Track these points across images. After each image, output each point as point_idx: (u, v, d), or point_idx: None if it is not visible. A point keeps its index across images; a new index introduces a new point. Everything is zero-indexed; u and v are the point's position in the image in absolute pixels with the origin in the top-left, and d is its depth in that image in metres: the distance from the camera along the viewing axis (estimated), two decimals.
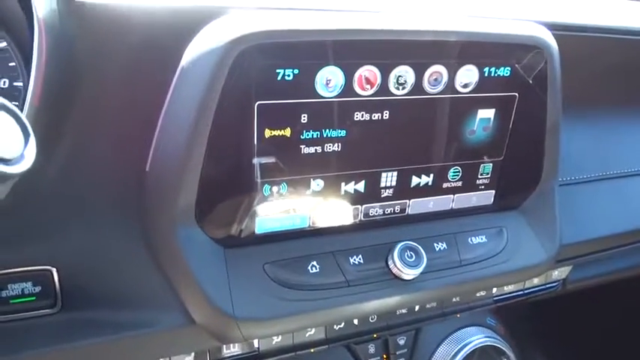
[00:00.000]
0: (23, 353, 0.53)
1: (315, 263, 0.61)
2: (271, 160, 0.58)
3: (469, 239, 0.69)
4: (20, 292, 0.55)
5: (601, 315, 1.27)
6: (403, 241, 0.64)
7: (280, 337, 0.67)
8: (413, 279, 0.63)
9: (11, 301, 0.55)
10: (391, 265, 0.63)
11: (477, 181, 0.72)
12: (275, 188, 0.60)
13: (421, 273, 0.64)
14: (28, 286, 0.56)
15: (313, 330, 0.69)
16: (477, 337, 0.78)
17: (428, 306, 0.75)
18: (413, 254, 0.63)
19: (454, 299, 0.76)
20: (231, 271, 0.58)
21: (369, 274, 0.62)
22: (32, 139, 0.40)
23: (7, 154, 0.37)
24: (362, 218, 0.66)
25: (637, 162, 0.90)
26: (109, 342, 0.55)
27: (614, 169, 0.87)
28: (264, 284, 0.58)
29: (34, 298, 0.56)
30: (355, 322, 0.72)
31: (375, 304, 0.62)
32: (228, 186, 0.58)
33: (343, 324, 0.71)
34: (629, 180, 0.88)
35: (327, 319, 0.61)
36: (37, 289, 0.56)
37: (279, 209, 0.61)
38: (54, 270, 0.55)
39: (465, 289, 0.68)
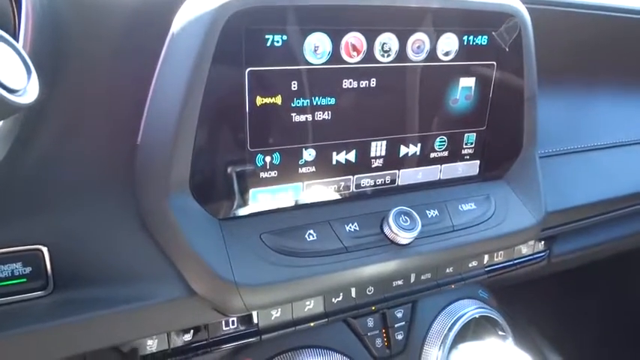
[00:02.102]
0: (15, 335, 0.49)
1: (311, 231, 0.59)
2: (263, 128, 0.57)
3: (459, 206, 0.69)
4: (10, 274, 0.51)
5: (587, 292, 1.29)
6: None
7: (279, 312, 0.65)
8: (408, 243, 0.62)
9: (0, 284, 0.51)
10: (387, 231, 0.62)
11: (462, 151, 0.72)
12: (268, 158, 0.59)
13: (416, 238, 0.63)
14: (18, 267, 0.52)
15: (312, 304, 0.67)
16: (471, 309, 0.77)
17: (423, 277, 0.74)
18: (407, 219, 0.62)
19: (447, 270, 0.76)
20: (228, 241, 0.56)
21: (365, 241, 0.61)
22: (34, 75, 0.38)
23: (12, 84, 0.35)
24: (354, 189, 0.65)
25: (607, 135, 0.92)
26: (105, 317, 0.51)
27: (587, 142, 0.89)
28: (263, 252, 0.56)
29: (24, 279, 0.52)
30: (353, 295, 0.70)
31: (372, 269, 0.61)
32: (222, 156, 0.56)
33: (341, 297, 0.69)
34: (601, 152, 0.89)
35: (327, 285, 0.59)
36: (28, 270, 0.52)
37: (272, 180, 0.59)
38: (44, 249, 0.51)
39: (459, 253, 0.67)
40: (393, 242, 0.62)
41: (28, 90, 0.35)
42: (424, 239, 0.64)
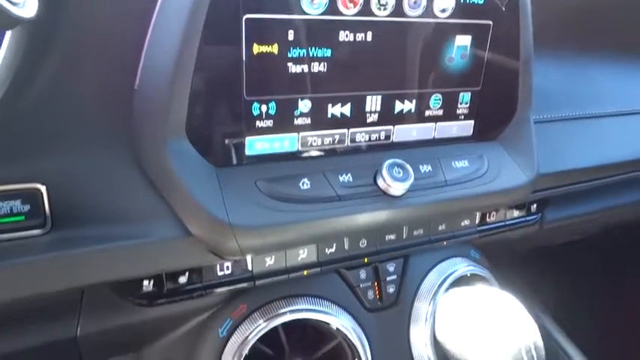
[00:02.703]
0: (14, 267, 0.50)
1: (306, 180, 0.60)
2: (259, 77, 0.57)
3: (452, 163, 0.69)
4: (9, 211, 0.52)
5: (580, 269, 1.30)
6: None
7: (273, 260, 0.66)
8: (401, 195, 0.63)
9: (0, 220, 0.53)
10: (380, 182, 0.62)
11: (457, 111, 0.72)
12: (264, 107, 0.59)
13: (408, 190, 0.64)
14: (16, 204, 0.52)
15: (305, 253, 0.68)
16: (462, 266, 0.77)
17: (415, 233, 0.75)
18: (401, 170, 0.63)
19: (440, 227, 0.76)
20: (224, 187, 0.56)
21: (358, 191, 0.62)
22: None
23: None
24: (349, 143, 0.65)
25: (604, 104, 0.93)
26: (102, 253, 0.52)
27: (584, 110, 0.89)
28: (258, 198, 0.57)
29: (22, 217, 0.52)
30: (346, 247, 0.71)
31: (365, 218, 0.61)
32: (218, 102, 0.56)
33: (334, 248, 0.70)
34: (597, 120, 0.90)
35: (320, 231, 0.60)
36: (26, 207, 0.53)
37: (268, 129, 0.60)
38: (43, 188, 0.52)
39: (451, 208, 0.68)
40: (385, 193, 0.63)
41: (27, 4, 0.36)
42: (417, 192, 0.64)
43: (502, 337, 0.51)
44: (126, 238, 0.54)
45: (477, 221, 0.81)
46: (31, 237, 0.52)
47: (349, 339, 0.69)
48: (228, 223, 0.54)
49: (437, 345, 0.74)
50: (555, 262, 1.13)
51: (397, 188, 0.62)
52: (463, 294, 0.56)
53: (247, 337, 0.65)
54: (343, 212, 0.61)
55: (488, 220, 0.81)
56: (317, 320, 0.67)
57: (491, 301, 0.53)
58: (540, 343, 0.52)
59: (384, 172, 0.62)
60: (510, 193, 0.72)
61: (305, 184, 0.60)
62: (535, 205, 0.86)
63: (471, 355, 0.52)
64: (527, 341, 0.51)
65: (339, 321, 0.68)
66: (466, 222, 0.79)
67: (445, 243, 0.77)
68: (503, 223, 0.83)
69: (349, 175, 0.63)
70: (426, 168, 0.67)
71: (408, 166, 0.63)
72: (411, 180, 0.63)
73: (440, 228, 0.76)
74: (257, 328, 0.65)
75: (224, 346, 0.66)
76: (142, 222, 0.55)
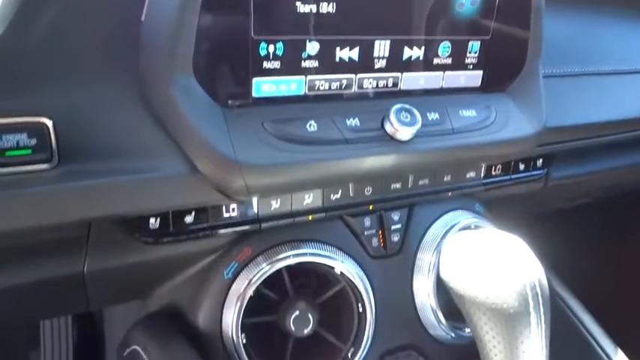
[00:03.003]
0: (20, 201, 0.50)
1: (312, 122, 0.59)
2: (267, 16, 0.56)
3: (460, 112, 0.68)
4: (15, 144, 0.52)
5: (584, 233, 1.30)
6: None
7: (279, 203, 0.66)
8: (408, 140, 0.63)
9: (7, 154, 0.52)
10: (387, 127, 0.62)
11: (466, 60, 0.71)
12: (271, 47, 0.58)
13: (416, 136, 0.63)
14: (23, 138, 0.52)
15: (311, 198, 0.68)
16: (466, 218, 0.77)
17: (420, 182, 0.74)
18: (408, 115, 0.62)
19: (445, 178, 0.76)
20: (231, 127, 0.56)
21: (365, 135, 0.61)
22: None
23: None
24: (356, 89, 0.64)
25: (614, 62, 0.91)
26: (109, 187, 0.52)
27: (594, 66, 0.88)
28: (265, 138, 0.56)
29: (29, 151, 0.52)
30: (351, 193, 0.70)
31: (371, 162, 0.61)
32: (225, 40, 0.55)
33: (340, 194, 0.69)
34: (607, 77, 0.88)
35: (326, 173, 0.60)
36: (33, 141, 0.52)
37: (275, 71, 0.59)
38: (49, 122, 0.51)
39: (457, 156, 0.67)
40: (392, 138, 0.62)
41: None
42: (423, 138, 0.64)
43: (507, 273, 0.51)
44: (133, 172, 0.53)
45: (483, 174, 0.80)
46: (37, 171, 0.52)
47: (353, 284, 0.69)
48: (236, 160, 0.54)
49: (439, 295, 0.76)
50: (559, 225, 1.13)
51: (404, 133, 0.62)
52: (469, 235, 0.57)
53: (252, 279, 0.65)
54: (350, 155, 0.60)
55: (493, 173, 0.81)
56: (321, 264, 0.68)
57: (496, 240, 0.54)
58: (545, 281, 0.52)
59: (392, 116, 0.61)
60: (517, 143, 0.71)
61: (312, 126, 0.60)
62: (541, 161, 0.85)
63: (475, 292, 0.52)
64: (531, 278, 0.51)
65: (344, 266, 0.69)
66: (471, 174, 0.79)
67: (450, 194, 0.77)
68: (508, 177, 0.82)
69: (356, 119, 0.62)
70: (433, 116, 0.67)
71: (416, 111, 0.63)
72: (419, 125, 0.62)
73: (445, 179, 0.76)
74: (261, 270, 0.65)
75: (229, 288, 0.66)
76: (149, 158, 0.54)
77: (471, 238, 0.55)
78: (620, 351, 0.74)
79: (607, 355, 0.73)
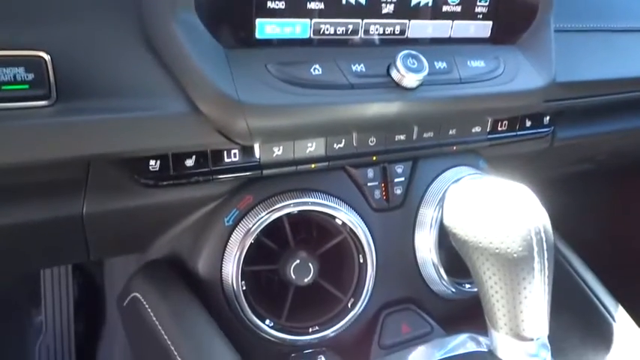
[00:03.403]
0: (18, 135, 0.49)
1: (317, 66, 0.58)
2: None
3: (468, 62, 0.66)
4: (12, 78, 0.50)
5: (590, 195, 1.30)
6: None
7: (281, 150, 0.65)
8: (414, 88, 0.61)
9: (3, 87, 0.50)
10: (393, 74, 0.60)
11: (476, 9, 0.68)
12: None
13: (422, 85, 0.62)
14: (20, 72, 0.50)
15: (314, 146, 0.66)
16: (470, 173, 0.76)
17: (425, 135, 0.73)
18: (415, 61, 0.60)
19: (450, 132, 0.75)
20: (233, 67, 0.54)
21: (371, 81, 0.60)
22: None
23: None
24: (362, 35, 0.62)
25: (629, 18, 0.89)
26: (108, 123, 0.51)
27: (606, 23, 0.86)
28: (268, 79, 0.55)
29: (27, 86, 0.50)
30: (354, 143, 0.69)
31: (376, 109, 0.60)
32: None
33: (343, 144, 0.68)
34: (619, 34, 0.86)
35: (330, 118, 0.59)
36: (30, 76, 0.51)
37: (279, 12, 0.57)
38: (47, 57, 0.50)
39: (464, 106, 0.66)
40: (398, 85, 0.60)
41: None
42: (430, 87, 0.62)
43: (511, 218, 0.50)
44: (133, 110, 0.52)
45: (488, 129, 0.79)
46: (36, 107, 0.51)
47: (355, 234, 0.68)
48: (238, 100, 0.53)
49: (441, 251, 0.75)
50: (562, 191, 1.12)
51: (411, 79, 0.60)
52: (474, 182, 0.56)
53: (252, 226, 0.64)
54: (355, 100, 0.59)
55: (499, 128, 0.80)
56: (322, 213, 0.67)
57: (501, 187, 0.53)
58: (549, 227, 0.52)
59: (399, 62, 0.60)
60: (525, 96, 0.69)
61: (316, 70, 0.58)
62: (547, 118, 0.84)
63: (479, 237, 0.51)
64: (536, 223, 0.50)
65: (346, 216, 0.68)
66: (477, 129, 0.77)
67: (455, 148, 0.76)
68: (514, 134, 0.81)
69: (362, 65, 0.60)
70: (440, 65, 0.65)
71: (423, 58, 0.61)
72: (425, 72, 0.60)
73: (450, 132, 0.75)
74: (262, 218, 0.65)
75: (229, 236, 0.66)
76: (149, 97, 0.53)
77: (476, 185, 0.54)
78: (620, 307, 0.74)
79: (608, 312, 0.74)
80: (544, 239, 0.49)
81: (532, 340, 0.50)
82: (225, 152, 0.63)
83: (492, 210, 0.49)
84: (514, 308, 0.49)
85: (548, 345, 0.52)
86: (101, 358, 1.17)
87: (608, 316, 0.71)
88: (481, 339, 0.74)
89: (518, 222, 0.48)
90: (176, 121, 0.54)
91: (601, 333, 0.72)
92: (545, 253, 0.49)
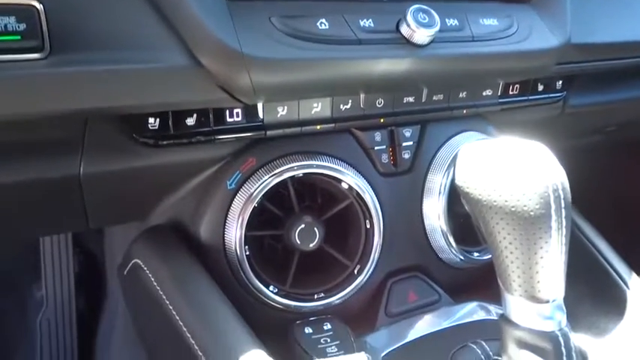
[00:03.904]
0: (11, 86, 0.46)
1: (323, 20, 0.55)
2: None
3: (480, 19, 0.64)
4: (3, 29, 0.47)
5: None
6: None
7: (285, 110, 0.62)
8: (425, 45, 0.59)
9: None
10: (403, 29, 0.57)
11: None
12: None
13: (433, 41, 0.59)
14: (11, 22, 0.48)
15: (319, 107, 0.64)
16: (480, 139, 0.74)
17: (435, 98, 0.70)
18: (426, 16, 0.57)
19: (460, 94, 0.72)
20: (236, 20, 0.51)
21: (380, 37, 0.57)
22: None
23: None
24: None
25: None
26: (105, 76, 0.48)
27: None
28: (272, 33, 0.52)
29: (18, 37, 0.48)
30: (361, 104, 0.66)
31: (385, 66, 0.57)
32: None
33: (350, 105, 0.66)
34: None
35: (337, 75, 0.56)
36: (22, 26, 0.48)
37: None
38: (39, 6, 0.47)
39: (476, 65, 0.63)
40: (409, 41, 0.58)
41: None
42: (441, 44, 0.60)
43: (528, 175, 0.48)
44: (131, 63, 0.49)
45: (500, 92, 0.76)
46: (29, 60, 0.49)
47: (362, 198, 0.66)
48: (241, 52, 0.50)
49: (450, 218, 0.73)
50: (571, 163, 1.11)
51: (422, 35, 0.57)
52: (487, 141, 0.53)
53: (256, 190, 0.62)
54: (363, 56, 0.56)
55: (510, 92, 0.77)
56: (328, 176, 0.65)
57: (516, 144, 0.50)
58: (567, 185, 0.49)
59: (409, 17, 0.57)
60: (539, 56, 0.67)
61: (323, 24, 0.55)
62: (560, 82, 0.81)
63: (493, 196, 0.49)
64: (554, 180, 0.48)
65: (353, 180, 0.66)
66: (488, 92, 0.75)
67: (465, 112, 0.73)
68: (526, 98, 0.78)
69: (370, 20, 0.58)
70: (452, 21, 0.62)
71: (434, 13, 0.58)
72: (437, 28, 0.58)
73: (460, 95, 0.72)
74: (266, 181, 0.62)
75: (232, 199, 0.63)
76: (148, 48, 0.50)
77: (490, 144, 0.52)
78: (634, 273, 0.73)
79: (621, 278, 0.72)
80: (562, 197, 0.46)
81: (547, 302, 0.48)
82: (227, 112, 0.60)
83: (508, 167, 0.47)
84: (529, 269, 0.47)
85: (564, 307, 0.50)
86: (102, 332, 1.16)
87: (620, 282, 0.70)
88: (491, 307, 0.73)
89: (535, 179, 0.46)
90: (176, 75, 0.52)
91: (613, 299, 0.70)
92: (563, 211, 0.46)
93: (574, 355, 0.48)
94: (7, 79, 0.47)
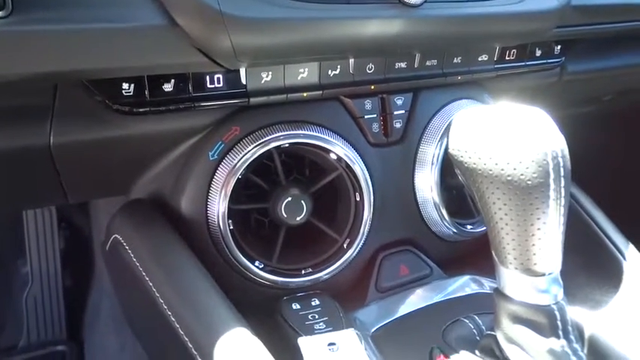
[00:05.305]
0: None
1: None
2: None
3: None
4: None
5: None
6: None
7: (270, 77, 0.59)
8: (418, 5, 0.55)
9: None
10: None
11: None
12: None
13: (426, 2, 0.56)
14: None
15: (306, 72, 0.61)
16: (474, 107, 0.73)
17: (428, 63, 0.67)
18: None
19: (455, 60, 0.69)
20: None
21: None
22: None
23: None
24: None
25: None
26: (73, 35, 0.45)
27: None
28: None
29: None
30: (351, 70, 0.63)
31: (376, 28, 0.54)
32: None
33: (338, 70, 0.62)
34: None
35: (325, 36, 0.53)
36: None
37: None
38: None
39: (472, 28, 0.60)
40: (401, 1, 0.54)
41: None
42: (435, 4, 0.57)
43: (524, 142, 0.45)
44: (100, 21, 0.46)
45: (496, 58, 0.73)
46: None
47: (351, 169, 0.64)
48: (219, 10, 0.47)
49: (442, 190, 0.71)
50: (567, 132, 1.10)
51: None
52: (482, 107, 0.51)
53: (239, 160, 0.59)
54: (351, 16, 0.53)
55: (507, 58, 0.74)
56: (316, 147, 0.62)
57: (513, 110, 0.48)
58: (567, 152, 0.47)
59: None
60: (538, 17, 0.64)
61: None
62: (558, 47, 0.78)
63: (489, 164, 0.47)
64: (553, 147, 0.45)
65: (342, 150, 0.63)
66: (484, 57, 0.71)
67: (459, 78, 0.70)
68: (523, 63, 0.75)
69: None
70: None
71: None
72: None
73: (455, 61, 0.69)
74: (250, 151, 0.60)
75: (214, 171, 0.61)
76: (119, 6, 0.47)
77: (485, 109, 0.50)
78: (631, 245, 0.71)
79: (618, 250, 0.70)
80: (561, 165, 0.44)
81: (543, 275, 0.46)
82: (207, 77, 0.57)
83: (504, 133, 0.44)
84: (525, 241, 0.45)
85: (561, 281, 0.48)
86: (90, 308, 1.15)
87: (618, 254, 0.68)
88: (484, 281, 0.72)
89: (532, 146, 0.43)
90: (149, 35, 0.48)
91: (610, 272, 0.69)
92: (562, 180, 0.44)
93: (570, 329, 0.47)
94: None
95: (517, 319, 0.47)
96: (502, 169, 0.44)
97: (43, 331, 1.23)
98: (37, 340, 1.21)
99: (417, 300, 0.67)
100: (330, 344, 0.53)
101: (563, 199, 0.45)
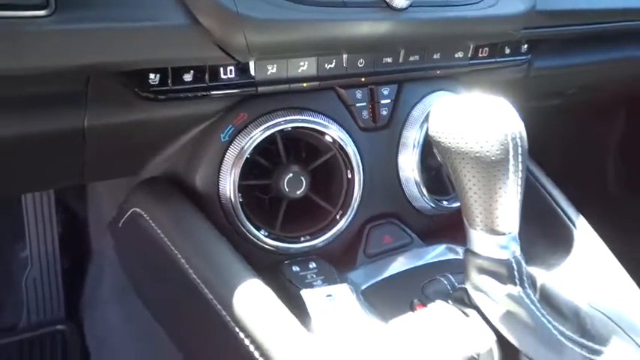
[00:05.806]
0: (17, 45, 0.51)
1: None
2: None
3: None
4: None
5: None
6: None
7: (275, 69, 0.68)
8: (404, 8, 0.65)
9: None
10: None
11: None
12: None
13: (412, 5, 0.65)
14: None
15: (306, 66, 0.70)
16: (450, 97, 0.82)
17: (411, 58, 0.77)
18: None
19: (435, 56, 0.79)
20: None
21: (363, 0, 0.64)
22: None
23: None
24: None
25: None
26: (108, 32, 0.54)
27: None
28: None
29: None
30: (344, 64, 0.73)
31: (367, 28, 0.65)
32: None
33: (334, 64, 0.72)
34: None
35: (324, 35, 0.63)
36: None
37: None
38: None
39: (450, 29, 0.71)
40: (389, 5, 0.64)
41: None
42: (419, 8, 0.67)
43: (490, 125, 0.55)
44: (133, 20, 0.55)
45: (470, 54, 0.83)
46: (34, 17, 0.52)
47: (344, 150, 0.73)
48: (237, 13, 0.56)
49: (422, 170, 0.81)
50: (533, 122, 1.20)
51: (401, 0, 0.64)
52: (457, 96, 0.60)
53: (247, 142, 0.68)
54: (347, 18, 0.63)
55: (480, 55, 0.84)
56: (313, 130, 0.72)
57: (481, 99, 0.57)
58: (524, 134, 0.57)
59: None
60: (507, 20, 0.74)
61: None
62: (526, 46, 0.89)
63: (461, 144, 0.56)
64: (512, 129, 0.55)
65: (336, 133, 0.73)
66: (460, 54, 0.82)
67: (438, 72, 0.80)
68: (494, 60, 0.86)
69: None
70: None
71: None
72: None
73: (435, 57, 0.79)
74: (256, 134, 0.69)
75: (225, 151, 0.70)
76: (150, 7, 0.56)
77: (459, 99, 0.59)
78: (581, 216, 0.82)
79: (571, 220, 0.82)
80: (519, 144, 0.54)
81: (504, 234, 0.57)
82: (221, 69, 0.66)
83: (473, 119, 0.54)
84: (490, 206, 0.55)
85: (518, 240, 0.59)
86: (89, 291, 1.21)
87: (569, 223, 0.80)
88: (458, 249, 0.82)
89: (496, 128, 0.54)
90: (175, 33, 0.57)
91: (563, 239, 0.80)
92: (520, 156, 0.54)
93: (525, 278, 0.57)
94: (14, 35, 0.51)
95: (482, 271, 0.58)
96: (471, 148, 0.54)
97: (42, 312, 1.27)
98: (36, 320, 1.26)
99: (399, 264, 0.77)
100: (328, 295, 0.63)
101: (520, 172, 0.55)
